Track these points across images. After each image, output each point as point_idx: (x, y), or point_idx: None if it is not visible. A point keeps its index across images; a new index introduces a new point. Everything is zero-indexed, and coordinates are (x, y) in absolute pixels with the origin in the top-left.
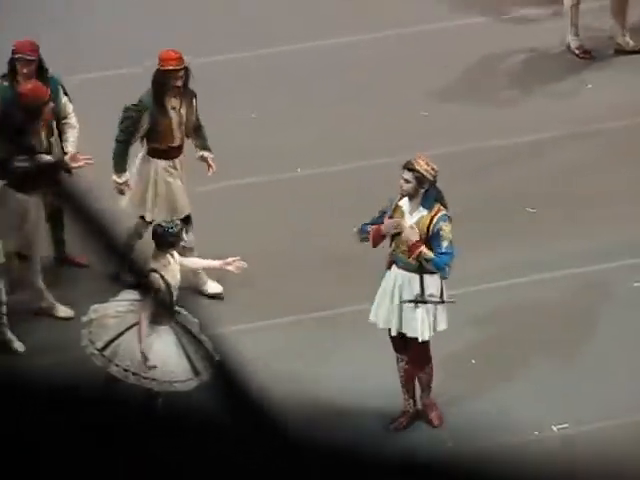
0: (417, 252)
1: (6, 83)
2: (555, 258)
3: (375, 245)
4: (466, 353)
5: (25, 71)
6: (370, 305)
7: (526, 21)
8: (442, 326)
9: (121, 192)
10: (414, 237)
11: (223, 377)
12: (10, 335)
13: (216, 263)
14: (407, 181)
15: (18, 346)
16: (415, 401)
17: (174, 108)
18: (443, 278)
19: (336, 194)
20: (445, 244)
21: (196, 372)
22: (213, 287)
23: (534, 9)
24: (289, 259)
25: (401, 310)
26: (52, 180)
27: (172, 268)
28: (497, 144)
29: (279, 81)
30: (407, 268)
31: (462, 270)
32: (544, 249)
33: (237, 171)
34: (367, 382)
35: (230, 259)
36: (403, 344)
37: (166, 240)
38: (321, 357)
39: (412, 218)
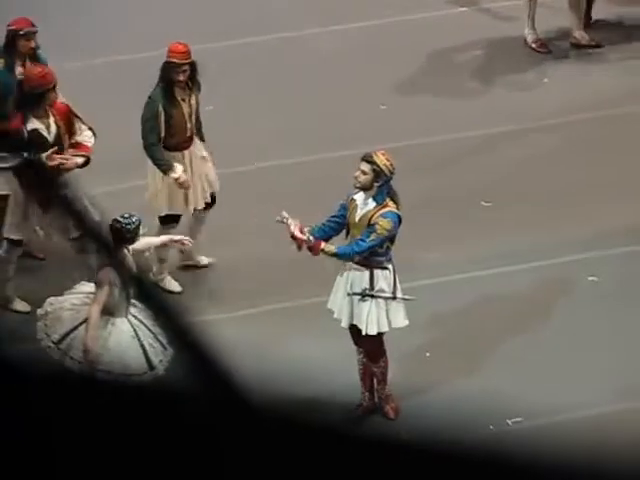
0: (318, 251)
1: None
2: (511, 252)
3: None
4: (423, 346)
5: (32, 45)
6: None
7: (485, 13)
8: (400, 323)
9: (187, 187)
10: (305, 239)
11: (192, 358)
12: (13, 296)
13: (164, 238)
14: (364, 172)
15: (22, 306)
16: (372, 394)
17: (184, 100)
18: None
19: (292, 187)
20: (371, 237)
21: (151, 366)
22: (173, 284)
23: (494, 2)
24: (251, 252)
25: (351, 302)
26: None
27: (128, 260)
28: (453, 137)
29: (238, 73)
30: (358, 261)
31: (419, 263)
32: (500, 243)
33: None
34: (332, 373)
35: (176, 237)
36: (358, 337)
37: (124, 236)
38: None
39: (361, 210)
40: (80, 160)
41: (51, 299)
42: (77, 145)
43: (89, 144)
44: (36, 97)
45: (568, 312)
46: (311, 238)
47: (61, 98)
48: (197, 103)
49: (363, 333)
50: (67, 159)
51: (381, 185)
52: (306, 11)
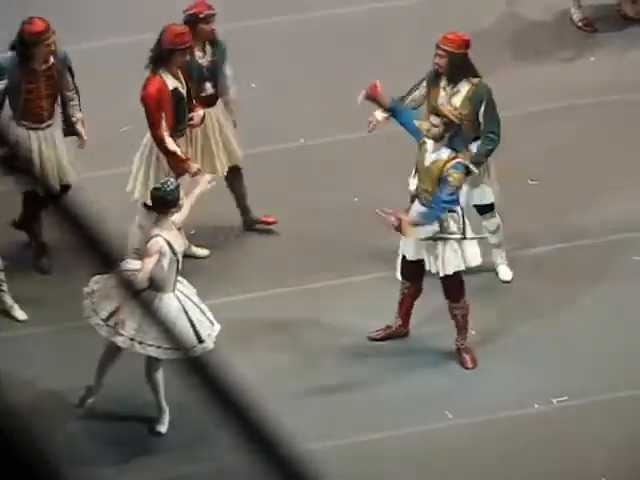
0: (406, 229)
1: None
2: (558, 229)
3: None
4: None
5: (211, 28)
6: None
7: None
8: (474, 261)
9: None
10: (392, 222)
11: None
12: (11, 302)
13: (196, 192)
14: (434, 125)
15: (19, 314)
16: (401, 321)
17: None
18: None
19: (339, 164)
20: (447, 191)
21: (200, 339)
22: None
23: None
24: (289, 232)
25: (426, 246)
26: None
27: (175, 233)
28: (502, 115)
29: (279, 51)
30: (427, 205)
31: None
32: (546, 221)
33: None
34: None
35: (202, 186)
36: (414, 271)
37: (167, 200)
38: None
39: (431, 156)
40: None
41: (96, 277)
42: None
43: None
44: (167, 54)
45: (613, 291)
46: (395, 221)
47: None
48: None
49: (441, 274)
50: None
51: (452, 135)
52: None
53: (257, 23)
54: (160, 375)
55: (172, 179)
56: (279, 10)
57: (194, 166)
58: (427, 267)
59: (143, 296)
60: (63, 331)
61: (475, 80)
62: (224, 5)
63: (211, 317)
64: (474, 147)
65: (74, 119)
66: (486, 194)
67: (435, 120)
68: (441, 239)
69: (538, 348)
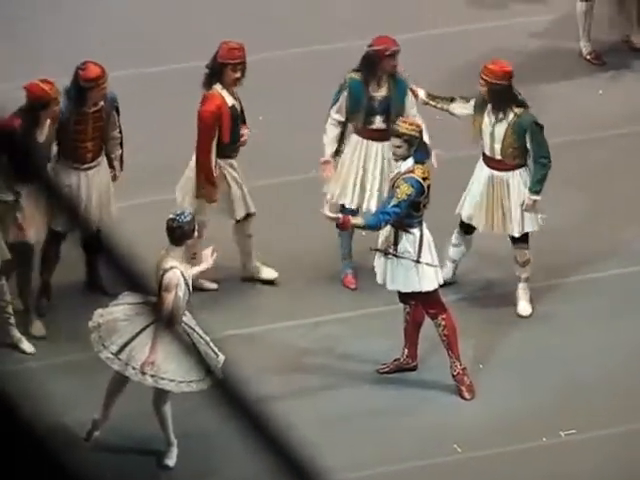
0: (348, 225)
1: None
2: (564, 264)
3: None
4: (478, 358)
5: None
6: None
7: (539, 25)
8: (427, 286)
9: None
10: (335, 216)
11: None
12: (19, 335)
13: (199, 269)
14: (398, 147)
15: (27, 347)
16: (408, 353)
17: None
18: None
19: None
20: (392, 202)
21: (208, 371)
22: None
23: (548, 14)
24: (307, 262)
25: (385, 262)
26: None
27: (186, 265)
28: None
29: (284, 83)
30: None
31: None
32: (555, 257)
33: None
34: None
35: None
36: (400, 295)
37: (184, 231)
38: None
39: (396, 170)
40: None
41: (99, 310)
42: None
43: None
44: (220, 68)
45: (632, 325)
46: (339, 215)
47: None
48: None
49: (388, 287)
50: None
51: (417, 149)
52: (367, 22)
53: (270, 55)
54: (168, 408)
55: (188, 210)
56: (288, 44)
57: (217, 196)
58: (377, 279)
59: (175, 328)
60: (68, 364)
61: (518, 110)
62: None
63: (215, 348)
64: (526, 176)
65: (113, 155)
66: (514, 226)
67: (396, 141)
68: (393, 255)
69: (548, 380)
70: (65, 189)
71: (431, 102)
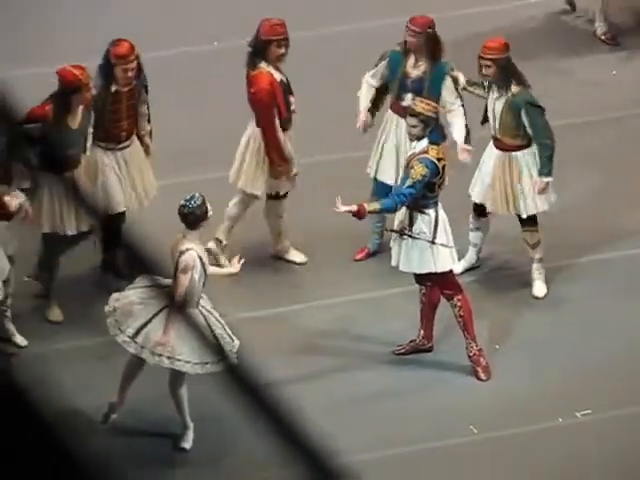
0: (364, 213)
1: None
2: (569, 244)
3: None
4: (493, 339)
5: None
6: None
7: (554, 6)
8: (443, 266)
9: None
10: (350, 209)
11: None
12: (13, 329)
13: (226, 271)
14: (414, 126)
15: (20, 340)
16: (424, 334)
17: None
18: (391, 212)
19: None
20: (407, 183)
21: (224, 354)
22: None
23: None
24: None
25: (399, 243)
26: None
27: (203, 248)
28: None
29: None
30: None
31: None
32: (566, 236)
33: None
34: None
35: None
36: (416, 275)
37: (196, 215)
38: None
39: (411, 150)
40: None
41: (115, 295)
42: None
43: None
44: (263, 45)
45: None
46: (354, 207)
47: None
48: None
49: (401, 269)
50: None
51: (432, 130)
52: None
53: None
54: (184, 391)
55: (197, 194)
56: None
57: (294, 170)
58: (392, 261)
59: (187, 311)
60: (85, 349)
61: (515, 89)
62: (238, 21)
63: (231, 333)
64: (533, 158)
65: (143, 132)
66: (522, 207)
67: (412, 121)
68: (409, 236)
69: (564, 360)
70: (84, 184)
71: (469, 88)
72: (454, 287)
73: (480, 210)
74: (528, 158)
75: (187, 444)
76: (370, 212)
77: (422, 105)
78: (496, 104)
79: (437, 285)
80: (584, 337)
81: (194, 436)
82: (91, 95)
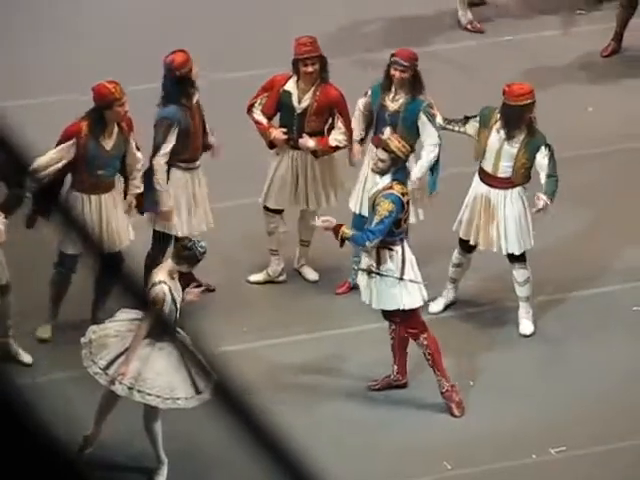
0: (338, 231)
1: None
2: (552, 280)
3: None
4: (467, 375)
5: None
6: None
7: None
8: (410, 305)
9: None
10: (327, 225)
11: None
12: (17, 348)
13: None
14: (382, 160)
15: (26, 358)
16: (397, 369)
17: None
18: (363, 248)
19: None
20: (375, 220)
21: (197, 390)
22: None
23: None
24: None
25: (368, 281)
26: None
27: (178, 284)
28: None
29: None
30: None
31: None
32: (547, 272)
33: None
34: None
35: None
36: (384, 313)
37: (194, 257)
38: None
39: (373, 188)
40: None
41: (93, 327)
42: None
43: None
44: (294, 64)
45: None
46: (332, 220)
47: None
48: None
49: (374, 306)
50: None
51: (398, 169)
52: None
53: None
54: (159, 425)
55: (205, 244)
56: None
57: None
58: (362, 298)
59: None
60: (61, 380)
61: (532, 129)
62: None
63: (206, 366)
64: (523, 195)
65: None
66: (511, 244)
67: (382, 155)
68: (377, 274)
69: (540, 397)
70: (79, 215)
71: (448, 127)
72: (419, 326)
73: (466, 246)
74: (519, 195)
75: (161, 478)
76: (343, 235)
77: (396, 144)
78: (505, 146)
79: (402, 324)
80: (561, 373)
81: (168, 471)
82: (124, 110)
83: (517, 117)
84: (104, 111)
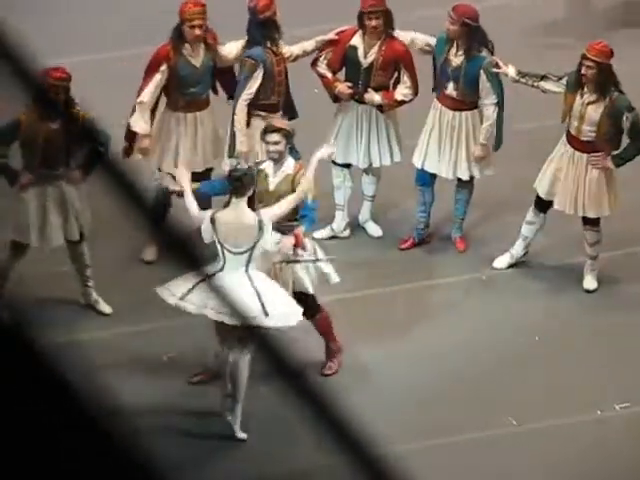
0: (301, 238)
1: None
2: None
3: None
4: (535, 331)
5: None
6: None
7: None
8: (332, 280)
9: None
10: (290, 243)
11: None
12: (96, 297)
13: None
14: (276, 142)
15: (105, 308)
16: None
17: None
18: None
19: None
20: (310, 198)
21: (265, 312)
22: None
23: None
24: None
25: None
26: None
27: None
28: (520, 128)
29: None
30: (278, 228)
31: None
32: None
33: None
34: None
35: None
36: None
37: (247, 177)
38: None
39: (276, 178)
40: None
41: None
42: None
43: None
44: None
45: None
46: (292, 239)
47: None
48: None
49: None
50: None
51: (291, 146)
52: None
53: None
54: (244, 377)
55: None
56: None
57: None
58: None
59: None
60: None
61: (615, 94)
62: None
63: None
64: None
65: None
66: (588, 208)
67: (275, 137)
68: (295, 262)
69: (605, 353)
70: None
71: (521, 79)
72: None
73: (543, 205)
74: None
75: (242, 434)
76: (304, 236)
77: (278, 122)
78: (588, 108)
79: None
80: (626, 330)
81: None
82: (198, 31)
83: (605, 77)
84: (182, 27)
